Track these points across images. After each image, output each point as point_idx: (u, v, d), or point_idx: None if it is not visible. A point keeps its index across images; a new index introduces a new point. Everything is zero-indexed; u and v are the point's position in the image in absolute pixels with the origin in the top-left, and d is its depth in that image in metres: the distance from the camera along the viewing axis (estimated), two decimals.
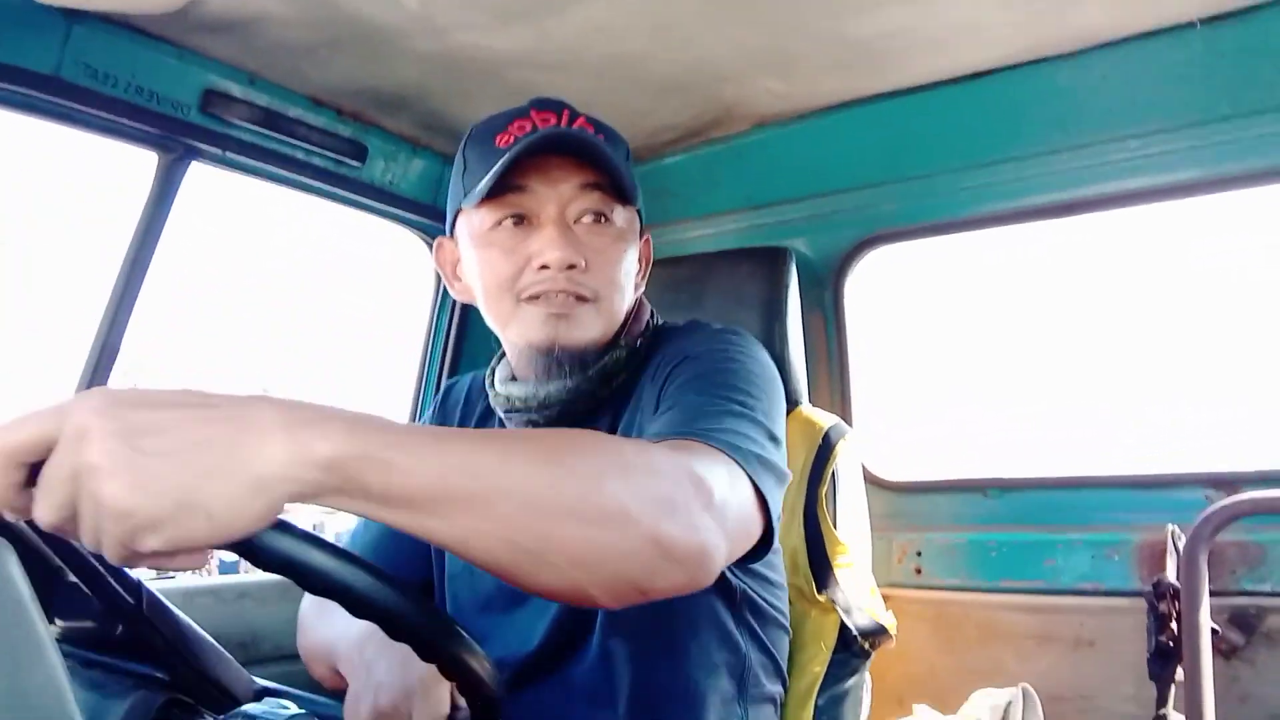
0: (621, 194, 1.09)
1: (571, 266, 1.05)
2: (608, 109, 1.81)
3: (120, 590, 0.76)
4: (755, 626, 1.16)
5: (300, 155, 1.79)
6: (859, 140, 1.91)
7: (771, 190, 2.04)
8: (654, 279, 1.25)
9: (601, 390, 1.11)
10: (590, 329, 1.08)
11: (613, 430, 1.12)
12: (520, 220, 1.07)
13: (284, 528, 0.62)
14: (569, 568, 0.67)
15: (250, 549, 0.60)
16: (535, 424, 1.13)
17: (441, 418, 1.30)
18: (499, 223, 1.08)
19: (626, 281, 1.12)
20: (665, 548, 0.70)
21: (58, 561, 0.76)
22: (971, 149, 1.81)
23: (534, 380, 1.12)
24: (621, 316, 1.12)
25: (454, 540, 0.64)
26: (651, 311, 1.21)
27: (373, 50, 1.60)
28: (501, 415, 1.17)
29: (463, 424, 1.26)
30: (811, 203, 2.00)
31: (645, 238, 1.19)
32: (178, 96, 1.57)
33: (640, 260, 1.18)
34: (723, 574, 1.01)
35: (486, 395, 1.22)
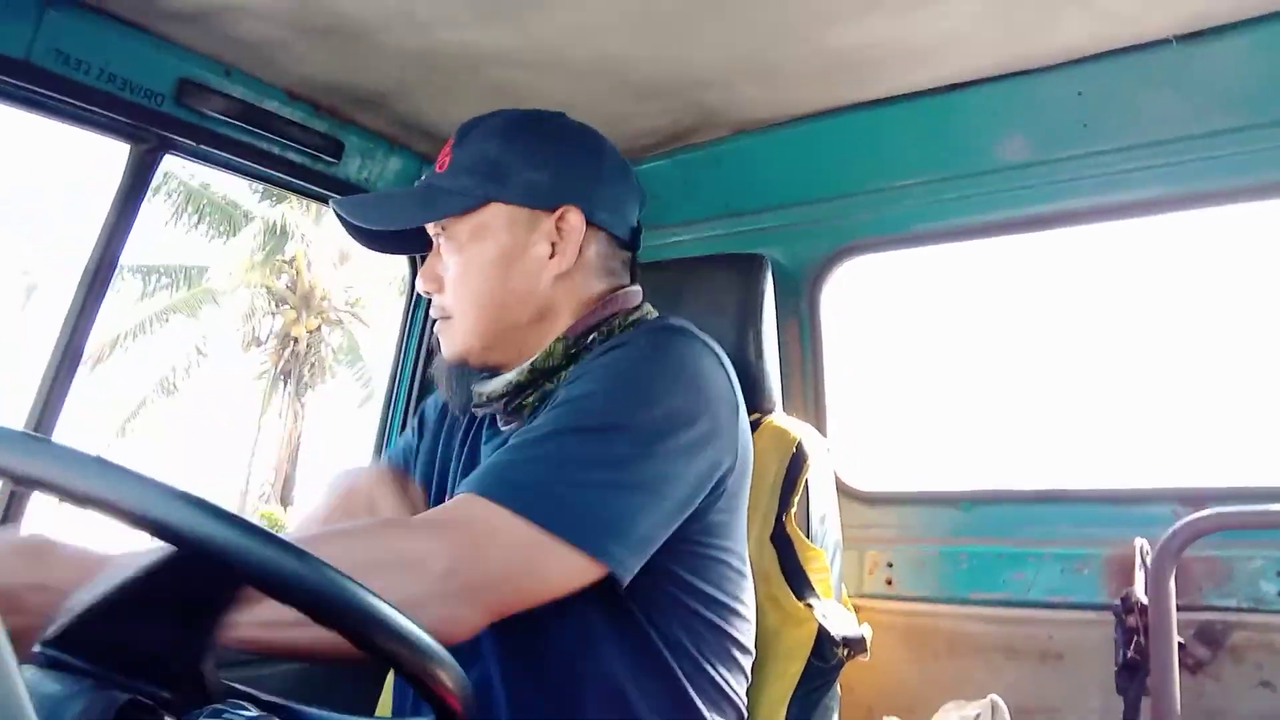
0: (458, 208, 1.15)
1: (428, 293, 1.20)
2: (589, 111, 1.79)
3: None
4: (690, 648, 1.10)
5: (276, 150, 1.76)
6: (837, 149, 1.90)
7: (750, 197, 2.03)
8: None
9: (543, 382, 1.16)
10: (451, 343, 1.19)
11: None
12: None
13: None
14: None
15: None
16: (492, 415, 1.22)
17: (420, 435, 1.36)
18: None
19: (488, 285, 1.15)
20: None
21: None
22: (949, 160, 1.81)
23: (484, 377, 1.21)
24: (495, 319, 1.16)
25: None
26: (640, 305, 1.25)
27: (351, 45, 1.58)
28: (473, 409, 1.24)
29: (448, 430, 1.32)
30: (789, 210, 2.00)
31: (558, 213, 1.16)
32: (152, 86, 1.54)
33: (546, 243, 1.16)
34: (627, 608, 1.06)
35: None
